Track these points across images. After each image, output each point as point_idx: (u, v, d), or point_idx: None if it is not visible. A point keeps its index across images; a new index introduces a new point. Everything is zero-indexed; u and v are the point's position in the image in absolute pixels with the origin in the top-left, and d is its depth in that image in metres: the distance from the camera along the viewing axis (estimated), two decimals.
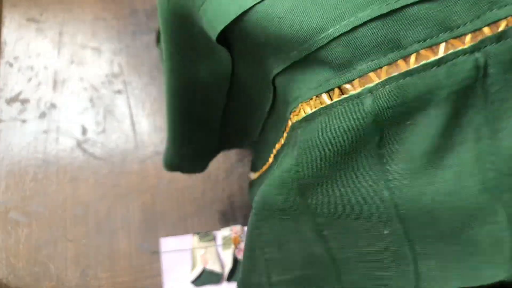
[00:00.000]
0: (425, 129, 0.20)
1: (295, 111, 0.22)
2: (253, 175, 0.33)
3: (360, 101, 0.19)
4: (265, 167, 0.30)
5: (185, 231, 0.41)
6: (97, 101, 0.47)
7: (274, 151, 0.27)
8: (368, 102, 0.19)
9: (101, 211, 0.43)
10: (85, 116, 0.47)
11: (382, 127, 0.20)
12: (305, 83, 0.21)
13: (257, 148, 0.32)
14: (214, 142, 0.33)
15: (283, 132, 0.25)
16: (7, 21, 0.52)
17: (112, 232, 0.42)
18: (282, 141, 0.25)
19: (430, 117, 0.19)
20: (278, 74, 0.23)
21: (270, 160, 0.29)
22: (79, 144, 0.45)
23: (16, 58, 0.50)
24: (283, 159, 0.23)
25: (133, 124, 0.46)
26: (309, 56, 0.20)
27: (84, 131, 0.46)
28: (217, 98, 0.29)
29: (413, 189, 0.20)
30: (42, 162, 0.45)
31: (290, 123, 0.23)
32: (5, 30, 0.51)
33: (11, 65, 0.50)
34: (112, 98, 0.46)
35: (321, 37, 0.19)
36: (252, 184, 0.34)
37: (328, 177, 0.21)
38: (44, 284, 0.40)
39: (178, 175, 0.43)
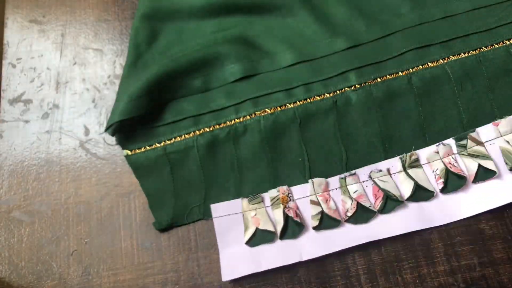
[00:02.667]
0: None
1: None
2: None
3: None
4: None
5: (186, 230, 0.42)
6: (100, 102, 0.48)
7: None
8: None
9: (103, 210, 0.43)
10: (88, 116, 0.47)
11: None
12: None
13: None
14: None
15: None
16: (9, 22, 0.53)
17: (114, 230, 0.42)
18: None
19: None
20: None
21: None
22: (81, 144, 0.46)
23: (19, 59, 0.51)
24: None
25: None
26: None
27: (86, 131, 0.47)
28: None
29: None
30: (45, 162, 0.45)
31: None
32: (8, 32, 0.52)
33: (14, 66, 0.50)
34: (114, 99, 0.47)
35: None
36: None
37: None
38: (46, 282, 0.41)
39: None
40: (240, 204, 0.41)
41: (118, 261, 0.41)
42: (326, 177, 0.41)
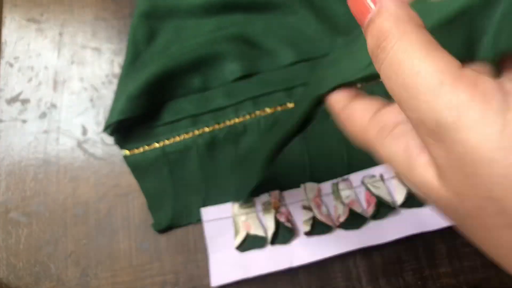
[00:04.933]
0: None
1: None
2: None
3: None
4: None
5: (185, 231, 0.41)
6: (98, 101, 0.47)
7: None
8: None
9: (101, 211, 0.43)
10: (86, 116, 0.47)
11: None
12: None
13: None
14: None
15: None
16: (7, 21, 0.52)
17: (112, 231, 0.42)
18: None
19: None
20: None
21: None
22: (79, 144, 0.46)
23: (16, 58, 0.50)
24: None
25: None
26: None
27: (84, 131, 0.46)
28: None
29: None
30: (43, 162, 0.45)
31: None
32: (5, 30, 0.52)
33: (11, 65, 0.50)
34: (112, 98, 0.46)
35: None
36: None
37: None
38: (44, 283, 0.40)
39: None
40: (230, 208, 0.41)
41: (116, 262, 0.41)
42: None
